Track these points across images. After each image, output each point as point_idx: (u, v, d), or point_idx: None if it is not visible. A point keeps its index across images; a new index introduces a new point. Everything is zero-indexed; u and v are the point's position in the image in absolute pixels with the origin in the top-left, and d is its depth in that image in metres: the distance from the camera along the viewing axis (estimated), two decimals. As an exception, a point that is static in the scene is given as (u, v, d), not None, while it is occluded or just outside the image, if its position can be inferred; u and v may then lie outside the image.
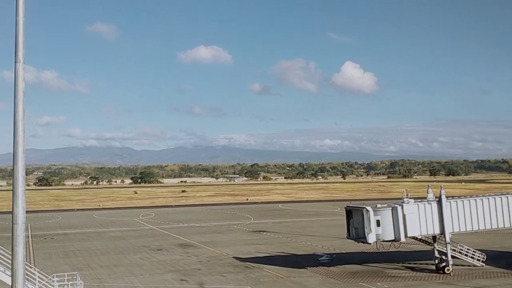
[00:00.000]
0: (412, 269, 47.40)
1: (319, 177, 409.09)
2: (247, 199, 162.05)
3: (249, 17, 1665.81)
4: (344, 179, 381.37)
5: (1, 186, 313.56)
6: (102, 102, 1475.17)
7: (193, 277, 46.02)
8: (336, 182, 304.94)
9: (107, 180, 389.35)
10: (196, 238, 73.03)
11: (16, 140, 10.58)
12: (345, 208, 49.70)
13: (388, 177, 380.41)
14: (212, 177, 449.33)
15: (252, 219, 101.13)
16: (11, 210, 10.65)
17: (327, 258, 54.07)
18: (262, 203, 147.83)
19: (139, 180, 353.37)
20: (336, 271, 47.33)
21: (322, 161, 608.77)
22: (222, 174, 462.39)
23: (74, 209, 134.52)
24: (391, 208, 44.31)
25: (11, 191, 10.64)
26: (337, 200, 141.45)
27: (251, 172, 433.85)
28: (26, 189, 10.79)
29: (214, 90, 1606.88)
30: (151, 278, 45.78)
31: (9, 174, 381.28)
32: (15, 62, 10.92)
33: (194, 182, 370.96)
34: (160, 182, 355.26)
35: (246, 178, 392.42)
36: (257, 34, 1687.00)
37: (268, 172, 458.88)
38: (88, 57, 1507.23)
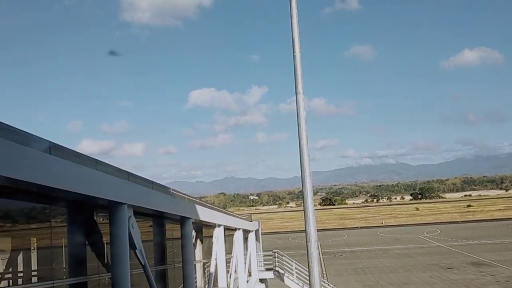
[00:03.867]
0: None
1: None
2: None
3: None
4: None
5: (291, 207, 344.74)
6: (371, 121, 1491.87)
7: (491, 299, 41.95)
8: None
9: (386, 197, 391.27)
10: (490, 256, 66.76)
11: (303, 164, 11.24)
12: None
13: None
14: (501, 189, 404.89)
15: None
16: (303, 229, 11.37)
17: None
18: None
19: (419, 196, 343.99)
20: None
21: None
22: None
23: (358, 227, 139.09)
24: None
25: (302, 211, 11.36)
26: None
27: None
28: (315, 209, 11.44)
29: (488, 94, 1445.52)
30: (443, 299, 43.52)
31: (297, 196, 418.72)
32: (296, 94, 11.57)
33: (479, 195, 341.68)
34: (442, 197, 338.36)
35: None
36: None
37: None
38: (351, 81, 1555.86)
